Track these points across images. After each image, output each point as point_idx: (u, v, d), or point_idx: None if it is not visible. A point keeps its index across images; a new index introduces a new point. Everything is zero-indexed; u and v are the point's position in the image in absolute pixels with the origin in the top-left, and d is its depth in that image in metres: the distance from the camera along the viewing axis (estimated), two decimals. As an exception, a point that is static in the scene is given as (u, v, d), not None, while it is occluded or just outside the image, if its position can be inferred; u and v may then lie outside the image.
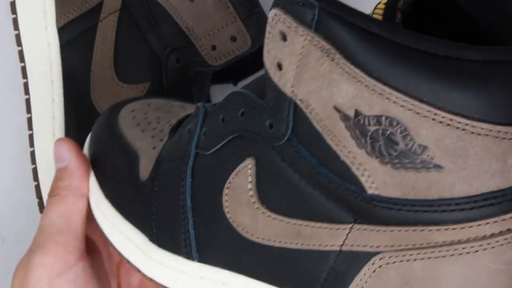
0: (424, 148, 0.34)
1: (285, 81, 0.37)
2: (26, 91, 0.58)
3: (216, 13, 0.57)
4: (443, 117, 0.34)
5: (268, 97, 0.39)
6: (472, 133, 0.34)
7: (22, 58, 0.58)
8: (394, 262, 0.37)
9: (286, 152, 0.39)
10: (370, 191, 0.36)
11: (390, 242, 0.37)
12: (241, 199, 0.41)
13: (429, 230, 0.36)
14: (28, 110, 0.58)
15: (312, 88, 0.36)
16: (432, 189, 0.35)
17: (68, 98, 0.58)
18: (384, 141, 0.35)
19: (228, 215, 0.42)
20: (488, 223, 0.35)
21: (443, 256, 0.36)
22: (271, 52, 0.38)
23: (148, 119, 0.50)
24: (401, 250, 0.37)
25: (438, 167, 0.34)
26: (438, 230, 0.36)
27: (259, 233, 0.41)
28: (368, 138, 0.35)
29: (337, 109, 0.36)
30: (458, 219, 0.35)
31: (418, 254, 0.36)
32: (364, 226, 0.37)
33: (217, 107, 0.43)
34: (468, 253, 0.36)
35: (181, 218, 0.44)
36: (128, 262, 0.47)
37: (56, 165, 0.50)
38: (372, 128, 0.35)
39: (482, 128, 0.33)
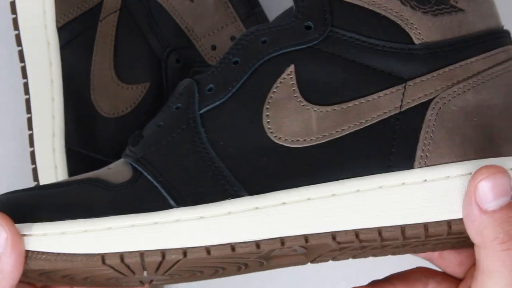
0: None
1: None
2: (26, 91, 0.58)
3: (216, 13, 0.57)
4: None
5: (297, 8, 0.46)
6: None
7: (22, 58, 0.58)
8: (450, 99, 0.45)
9: (328, 43, 0.45)
10: (417, 41, 0.45)
11: (442, 83, 0.45)
12: (288, 109, 0.45)
13: (470, 62, 0.45)
14: (28, 110, 0.58)
15: None
16: (462, 28, 0.45)
17: (68, 98, 0.57)
18: None
19: (272, 135, 0.45)
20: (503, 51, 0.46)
21: (486, 81, 0.45)
22: None
23: None
24: (452, 86, 0.45)
25: (461, 10, 0.45)
26: (476, 60, 0.45)
27: (314, 133, 0.44)
28: None
29: None
30: (487, 49, 0.45)
31: (467, 85, 0.45)
32: (417, 79, 0.45)
33: (219, 62, 0.47)
34: (503, 74, 0.45)
35: (209, 169, 0.45)
36: (143, 253, 0.43)
37: None
38: None
39: None
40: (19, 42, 0.58)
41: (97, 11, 0.57)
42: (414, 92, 0.45)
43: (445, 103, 0.45)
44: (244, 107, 0.45)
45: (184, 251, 0.43)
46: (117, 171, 0.46)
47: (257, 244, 0.44)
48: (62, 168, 0.57)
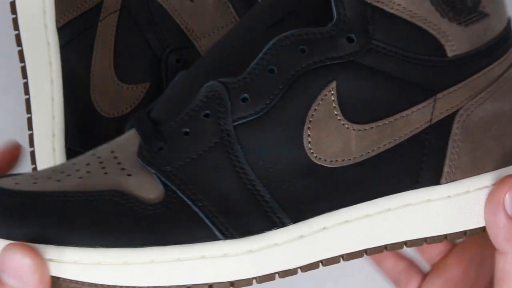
0: (480, 1, 0.45)
1: None
2: (26, 91, 0.58)
3: (216, 13, 0.57)
4: None
5: (339, 17, 0.43)
6: None
7: (22, 58, 0.58)
8: (473, 110, 0.45)
9: (368, 57, 0.43)
10: (451, 54, 0.44)
11: (466, 94, 0.45)
12: (328, 129, 0.43)
13: (490, 69, 0.45)
14: (28, 110, 0.58)
15: None
16: (487, 34, 0.45)
17: (68, 98, 0.58)
18: (459, 2, 0.44)
19: (313, 156, 0.43)
20: None
21: (501, 86, 0.46)
22: None
23: (57, 172, 0.45)
24: (475, 96, 0.45)
25: (487, 15, 0.45)
26: (495, 66, 0.45)
27: (353, 152, 0.44)
28: (449, 4, 0.44)
29: None
30: (503, 52, 0.46)
31: (486, 94, 0.45)
32: (446, 91, 0.44)
33: (252, 68, 0.44)
34: None
35: (249, 195, 0.43)
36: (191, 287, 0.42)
37: (4, 277, 0.39)
38: None
39: None
40: (19, 42, 0.58)
41: (97, 11, 0.57)
42: (443, 104, 0.45)
43: (468, 114, 0.45)
44: (284, 124, 0.43)
45: (232, 283, 0.43)
46: (140, 181, 0.43)
47: (300, 268, 0.44)
48: (62, 168, 0.57)
